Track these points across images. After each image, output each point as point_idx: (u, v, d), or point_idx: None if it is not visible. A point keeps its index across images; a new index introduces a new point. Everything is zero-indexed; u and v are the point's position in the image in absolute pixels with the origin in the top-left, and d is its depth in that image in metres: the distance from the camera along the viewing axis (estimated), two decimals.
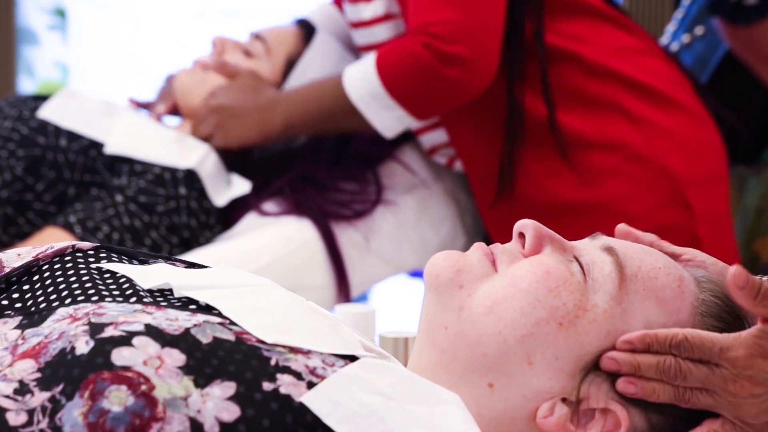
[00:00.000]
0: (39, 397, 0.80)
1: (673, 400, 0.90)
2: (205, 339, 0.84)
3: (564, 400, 0.91)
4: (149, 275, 0.93)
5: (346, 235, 1.74)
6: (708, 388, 0.89)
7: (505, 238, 0.98)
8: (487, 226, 1.80)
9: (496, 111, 1.73)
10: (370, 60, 1.67)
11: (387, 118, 1.67)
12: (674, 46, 2.10)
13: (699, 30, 2.08)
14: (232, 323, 0.87)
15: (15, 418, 0.79)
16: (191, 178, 1.72)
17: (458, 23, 1.61)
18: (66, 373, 0.81)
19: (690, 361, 0.89)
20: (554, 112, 1.70)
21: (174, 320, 0.86)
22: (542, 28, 1.69)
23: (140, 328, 0.84)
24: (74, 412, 0.79)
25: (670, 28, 2.13)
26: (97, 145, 1.74)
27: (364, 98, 1.67)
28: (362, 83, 1.67)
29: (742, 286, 0.88)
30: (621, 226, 0.99)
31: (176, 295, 0.91)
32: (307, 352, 0.86)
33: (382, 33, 1.73)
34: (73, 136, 1.74)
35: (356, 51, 1.84)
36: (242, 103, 1.74)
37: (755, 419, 0.89)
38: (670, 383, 0.89)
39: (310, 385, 0.83)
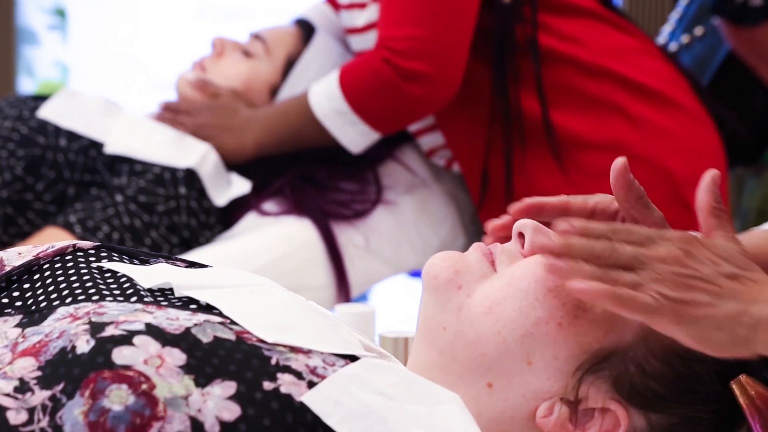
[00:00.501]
0: (39, 396, 0.81)
1: (595, 278, 0.86)
2: (205, 338, 0.84)
3: (563, 399, 0.91)
4: (150, 274, 0.93)
5: (346, 235, 1.75)
6: (634, 266, 0.87)
7: (503, 239, 0.98)
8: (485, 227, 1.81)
9: (491, 113, 1.73)
10: (333, 76, 1.69)
11: (352, 134, 1.69)
12: (672, 47, 2.10)
13: (698, 30, 2.08)
14: (233, 323, 0.87)
15: (15, 417, 0.79)
16: (191, 177, 1.72)
17: (420, 40, 1.61)
18: (66, 371, 0.81)
19: (627, 242, 0.88)
20: (548, 113, 1.70)
21: (175, 319, 0.86)
22: (536, 30, 1.69)
23: (141, 327, 0.84)
24: (75, 410, 0.79)
25: (667, 28, 2.13)
26: (97, 145, 1.74)
27: (330, 115, 1.68)
28: (327, 100, 1.68)
29: (718, 185, 0.90)
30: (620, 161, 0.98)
31: (177, 294, 0.91)
32: (307, 352, 0.86)
33: (375, 40, 1.73)
34: (72, 136, 1.74)
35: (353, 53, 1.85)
36: (216, 124, 1.76)
37: (676, 292, 0.86)
38: (596, 264, 0.86)
39: (311, 384, 0.83)
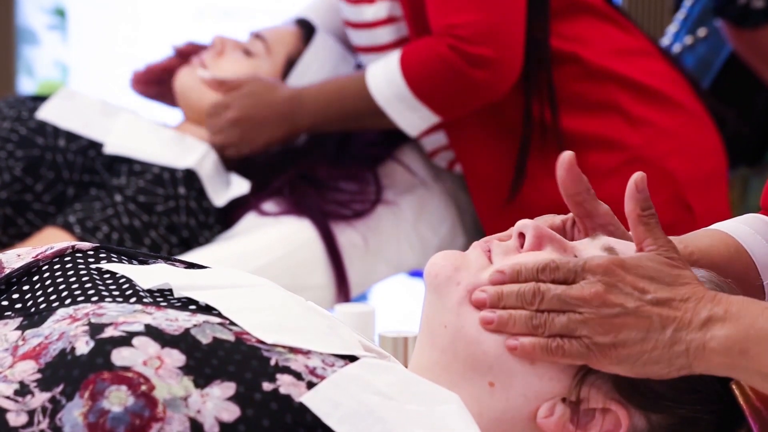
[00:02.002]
0: (39, 398, 0.81)
1: (527, 326, 0.88)
2: (204, 339, 0.84)
3: (564, 400, 0.91)
4: (149, 275, 0.93)
5: (346, 235, 1.75)
6: (564, 308, 0.88)
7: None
8: (485, 228, 1.81)
9: (497, 115, 1.74)
10: (393, 61, 1.68)
11: (412, 118, 1.69)
12: (676, 48, 2.10)
13: (701, 32, 2.08)
14: (232, 323, 0.87)
15: (15, 419, 0.80)
16: (190, 177, 1.72)
17: (483, 25, 1.62)
18: (66, 373, 0.81)
19: (553, 282, 0.89)
20: (558, 117, 1.70)
21: (174, 320, 0.86)
22: (548, 35, 1.70)
23: (140, 328, 0.84)
24: (74, 412, 0.79)
25: (672, 29, 2.13)
26: (96, 146, 1.74)
27: (390, 99, 1.68)
28: (387, 85, 1.68)
29: (641, 190, 0.89)
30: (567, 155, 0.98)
31: (176, 295, 0.91)
32: (306, 353, 0.86)
33: (383, 36, 1.73)
34: (71, 137, 1.74)
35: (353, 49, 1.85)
36: (260, 110, 1.74)
37: (604, 337, 0.87)
38: (528, 309, 0.88)
39: (310, 385, 0.84)
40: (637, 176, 0.90)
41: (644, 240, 0.90)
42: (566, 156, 0.96)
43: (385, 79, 1.68)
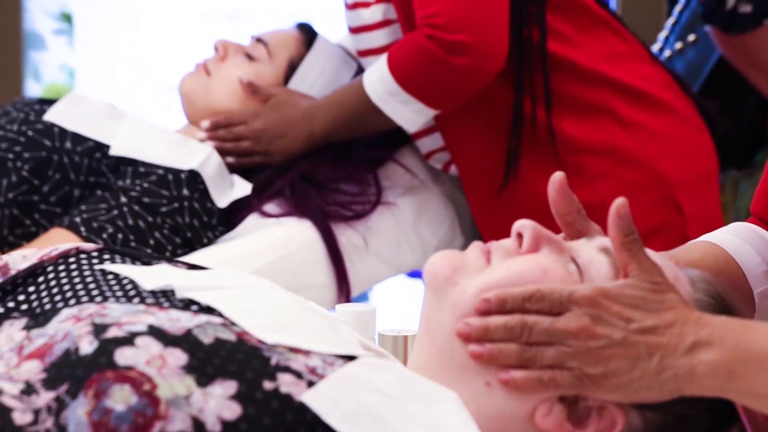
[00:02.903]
0: (44, 397, 0.82)
1: (518, 359, 0.89)
2: (206, 339, 0.85)
3: (561, 399, 0.91)
4: (152, 276, 0.94)
5: (346, 236, 1.76)
6: (552, 341, 0.89)
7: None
8: (480, 228, 1.82)
9: (491, 114, 1.74)
10: (383, 59, 1.70)
11: (407, 113, 1.70)
12: (667, 53, 2.11)
13: (691, 37, 2.09)
14: (234, 324, 0.88)
15: (21, 418, 0.80)
16: (194, 179, 1.73)
17: (457, 11, 1.62)
18: (70, 372, 0.82)
19: (538, 313, 0.89)
20: (552, 119, 1.71)
21: (176, 321, 0.87)
22: (545, 37, 1.70)
23: (143, 328, 0.85)
24: (78, 411, 0.80)
25: (662, 35, 2.14)
26: (101, 148, 1.75)
27: (383, 96, 1.69)
28: (379, 82, 1.69)
29: (623, 216, 0.88)
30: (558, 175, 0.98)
31: (178, 296, 0.92)
32: (306, 352, 0.87)
33: (379, 38, 1.74)
34: (78, 139, 1.75)
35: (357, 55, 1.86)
36: (280, 122, 1.77)
37: (594, 368, 0.88)
38: (517, 342, 0.89)
39: (310, 384, 0.84)
40: (619, 202, 0.90)
41: (628, 265, 0.90)
42: (557, 177, 0.96)
43: (377, 77, 1.69)
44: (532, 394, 0.90)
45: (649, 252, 0.94)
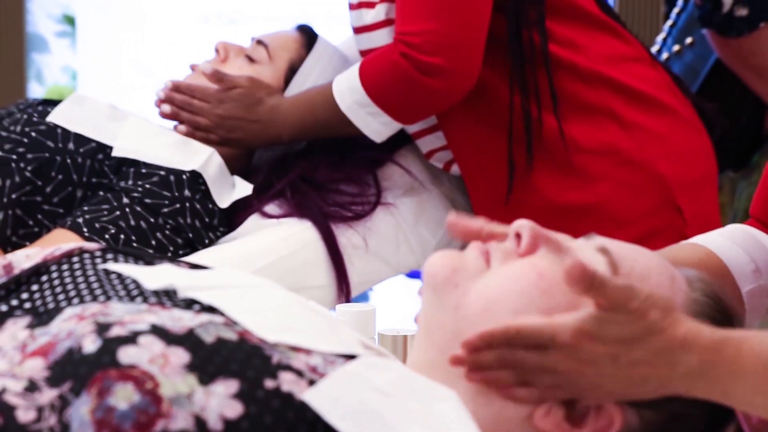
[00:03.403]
0: (48, 395, 0.82)
1: (518, 384, 0.91)
2: (208, 338, 0.86)
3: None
4: (154, 276, 0.95)
5: (346, 237, 1.76)
6: (546, 371, 0.90)
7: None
8: None
9: (494, 115, 1.75)
10: (355, 69, 1.71)
11: (375, 125, 1.71)
12: (664, 56, 2.11)
13: (688, 40, 2.09)
14: (235, 323, 0.88)
15: (24, 415, 0.81)
16: (195, 180, 1.74)
17: (437, 35, 1.62)
18: (73, 371, 0.83)
19: (525, 349, 0.90)
20: (559, 119, 1.72)
21: (178, 320, 0.87)
22: (546, 41, 1.71)
23: (146, 327, 0.85)
24: (82, 409, 0.81)
25: (660, 38, 2.14)
26: (104, 149, 1.76)
27: (352, 106, 1.70)
28: (349, 92, 1.70)
29: (578, 278, 0.88)
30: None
31: (180, 295, 0.92)
32: (308, 351, 0.87)
33: (382, 38, 1.75)
34: (80, 140, 1.76)
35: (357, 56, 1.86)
36: (243, 116, 1.77)
37: (592, 392, 0.90)
38: (511, 370, 0.91)
39: (311, 382, 0.85)
40: (569, 267, 0.88)
41: (599, 303, 0.89)
42: (449, 222, 0.97)
43: (347, 87, 1.70)
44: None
45: (636, 250, 0.96)
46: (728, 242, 1.12)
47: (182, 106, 1.80)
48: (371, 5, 1.75)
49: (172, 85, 1.80)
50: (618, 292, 0.89)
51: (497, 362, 0.91)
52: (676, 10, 2.13)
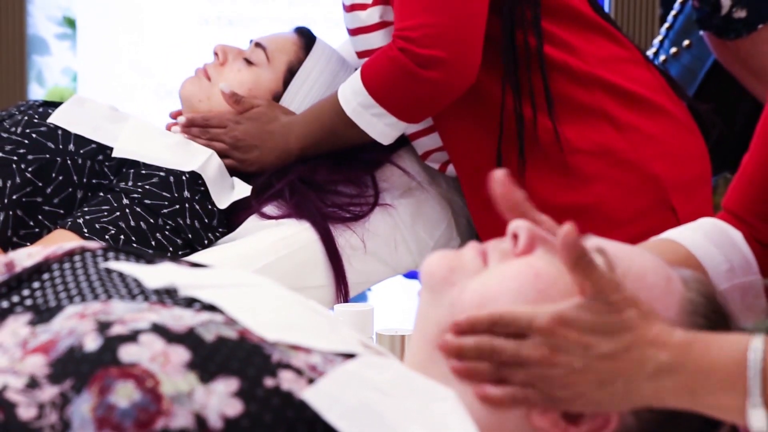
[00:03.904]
0: (49, 392, 0.82)
1: (492, 377, 0.91)
2: (209, 337, 0.86)
3: None
4: (155, 275, 0.95)
5: (344, 237, 1.77)
6: (521, 363, 0.91)
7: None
8: (478, 229, 1.83)
9: (489, 116, 1.75)
10: (358, 72, 1.71)
11: (380, 126, 1.71)
12: (662, 58, 2.11)
13: (685, 42, 2.09)
14: (235, 322, 0.89)
15: (25, 412, 0.81)
16: (195, 181, 1.74)
17: (434, 27, 1.63)
18: (75, 369, 0.83)
19: (505, 337, 0.91)
20: (554, 120, 1.72)
21: (179, 318, 0.87)
22: (542, 40, 1.72)
23: (147, 325, 0.86)
24: (83, 407, 0.81)
25: (657, 40, 2.15)
26: (104, 150, 1.77)
27: (357, 109, 1.70)
28: (353, 95, 1.70)
29: (569, 243, 0.89)
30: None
31: (181, 294, 0.93)
32: (307, 350, 0.88)
33: (377, 40, 1.75)
34: (81, 142, 1.76)
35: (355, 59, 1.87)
36: (258, 133, 1.78)
37: (561, 391, 0.90)
38: (488, 361, 0.91)
39: (311, 381, 0.85)
40: (566, 229, 0.90)
41: (583, 286, 0.91)
42: (498, 174, 0.97)
43: (351, 90, 1.71)
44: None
45: (627, 248, 0.96)
46: (704, 241, 1.12)
47: (198, 136, 1.80)
48: (363, 7, 1.75)
49: (187, 122, 1.82)
50: (603, 280, 0.90)
51: (476, 350, 0.91)
52: (672, 12, 2.13)
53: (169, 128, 1.85)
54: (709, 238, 1.12)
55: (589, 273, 0.90)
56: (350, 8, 1.77)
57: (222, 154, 1.80)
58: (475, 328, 0.92)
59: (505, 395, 0.91)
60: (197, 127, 1.82)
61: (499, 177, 0.98)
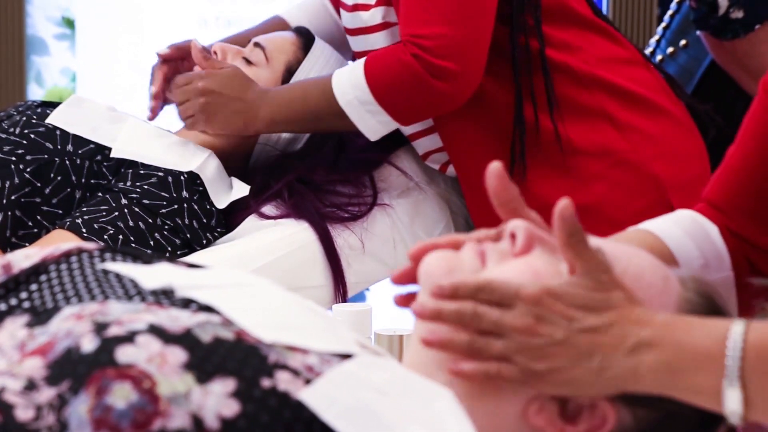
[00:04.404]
0: (46, 394, 0.83)
1: (468, 349, 0.91)
2: (206, 337, 0.86)
3: (553, 396, 0.93)
4: (152, 276, 0.95)
5: (343, 237, 1.77)
6: (500, 333, 0.91)
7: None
8: (477, 228, 1.83)
9: (491, 118, 1.76)
10: (359, 66, 1.70)
11: (372, 123, 1.71)
12: (658, 58, 2.11)
13: (682, 42, 2.09)
14: (232, 322, 0.89)
15: (23, 414, 0.81)
16: (193, 181, 1.75)
17: (449, 39, 1.64)
18: (72, 370, 0.83)
19: (488, 304, 0.91)
20: (555, 121, 1.72)
21: (176, 319, 0.87)
22: (544, 45, 1.72)
23: (143, 326, 0.86)
24: (80, 408, 0.81)
25: (654, 39, 2.15)
26: (102, 150, 1.77)
27: (352, 102, 1.70)
28: (351, 88, 1.70)
29: (566, 217, 0.90)
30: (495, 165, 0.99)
31: (178, 295, 0.93)
32: (304, 350, 0.88)
33: (379, 40, 1.75)
34: (79, 142, 1.77)
35: (351, 55, 1.87)
36: (230, 91, 1.75)
37: (538, 364, 0.90)
38: (467, 330, 0.91)
39: (308, 381, 0.85)
40: (562, 204, 0.91)
41: (574, 264, 0.91)
42: (495, 166, 0.97)
43: (349, 83, 1.70)
44: (507, 391, 0.92)
45: (623, 248, 0.96)
46: (682, 234, 1.13)
47: (166, 90, 1.79)
48: (367, 8, 1.75)
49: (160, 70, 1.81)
50: (594, 259, 0.91)
51: (456, 314, 0.91)
52: (669, 12, 2.13)
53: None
54: (686, 232, 1.13)
55: (580, 250, 0.91)
56: (352, 8, 1.77)
57: (184, 116, 1.77)
58: (458, 293, 0.91)
59: (480, 369, 0.91)
60: (170, 83, 1.79)
61: (494, 170, 0.98)
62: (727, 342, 0.89)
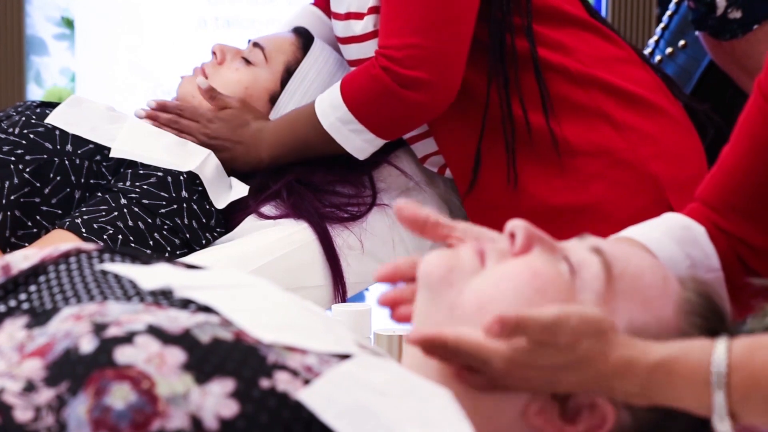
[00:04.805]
0: (45, 395, 0.82)
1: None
2: (205, 338, 0.86)
3: (553, 396, 0.93)
4: (151, 276, 0.95)
5: (342, 237, 1.77)
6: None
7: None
8: None
9: (481, 117, 1.76)
10: (336, 86, 1.72)
11: (357, 141, 1.72)
12: (657, 58, 2.12)
13: (681, 42, 2.09)
14: (231, 323, 0.89)
15: (22, 415, 0.81)
16: (193, 181, 1.75)
17: (419, 49, 1.64)
18: (70, 371, 0.83)
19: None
20: (549, 121, 1.72)
21: (175, 320, 0.87)
22: (534, 42, 1.72)
23: (142, 327, 0.86)
24: (79, 408, 0.81)
25: (653, 40, 2.15)
26: (102, 150, 1.77)
27: (335, 124, 1.71)
28: (331, 109, 1.71)
29: (498, 333, 0.89)
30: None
31: (177, 295, 0.93)
32: (303, 351, 0.88)
33: (371, 49, 1.75)
34: (79, 142, 1.77)
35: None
36: (229, 138, 1.79)
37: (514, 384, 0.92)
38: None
39: (307, 382, 0.85)
40: (486, 327, 0.90)
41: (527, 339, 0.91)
42: (398, 203, 1.00)
43: (329, 104, 1.71)
44: (506, 391, 0.93)
45: (615, 248, 0.97)
46: (667, 240, 1.12)
47: (168, 124, 1.81)
48: (360, 16, 1.75)
49: (157, 105, 1.82)
50: (544, 330, 0.89)
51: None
52: (668, 12, 2.13)
53: (142, 116, 1.85)
54: (670, 236, 1.12)
55: (528, 333, 0.89)
56: (345, 17, 1.77)
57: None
58: (432, 347, 0.92)
59: (477, 383, 0.93)
60: (168, 114, 1.81)
61: (398, 207, 1.00)
62: (712, 400, 0.89)
